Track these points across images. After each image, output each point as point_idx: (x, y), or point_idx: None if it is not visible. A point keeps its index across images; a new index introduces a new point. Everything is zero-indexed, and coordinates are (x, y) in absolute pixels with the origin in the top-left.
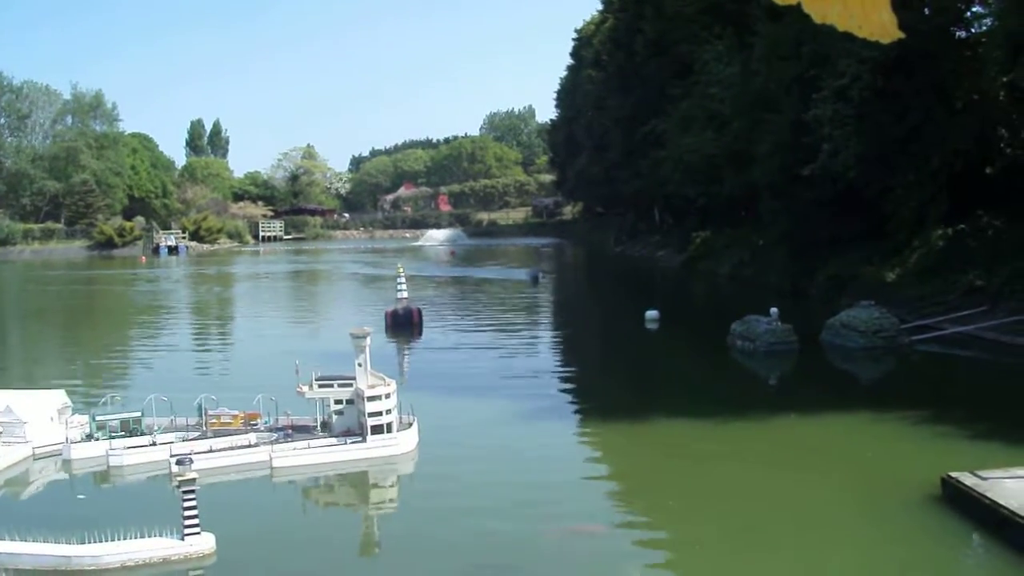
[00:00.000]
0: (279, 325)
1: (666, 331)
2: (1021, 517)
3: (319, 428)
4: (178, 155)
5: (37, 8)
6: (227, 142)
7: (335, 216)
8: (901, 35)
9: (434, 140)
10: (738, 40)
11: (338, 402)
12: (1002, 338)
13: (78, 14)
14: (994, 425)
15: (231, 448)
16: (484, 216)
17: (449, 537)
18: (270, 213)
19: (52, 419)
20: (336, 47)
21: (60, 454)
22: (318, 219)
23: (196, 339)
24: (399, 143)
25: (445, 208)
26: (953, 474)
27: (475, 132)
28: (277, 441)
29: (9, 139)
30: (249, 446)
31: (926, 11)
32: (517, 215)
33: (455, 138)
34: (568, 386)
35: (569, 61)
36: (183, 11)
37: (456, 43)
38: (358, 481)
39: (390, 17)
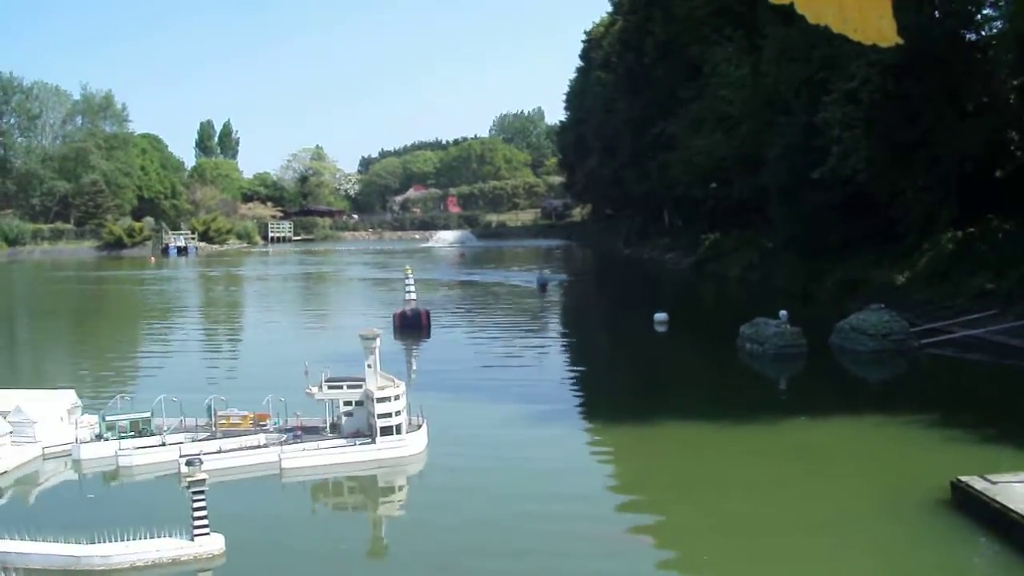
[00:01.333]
0: (288, 326)
1: (675, 333)
2: None
3: (328, 429)
4: (188, 156)
5: (42, 8)
6: (237, 143)
7: (344, 217)
8: (899, 40)
9: (443, 141)
10: (748, 42)
11: (347, 403)
12: (1012, 341)
13: (83, 14)
14: (1004, 429)
15: (240, 449)
16: (493, 218)
17: (456, 539)
18: (279, 214)
19: (62, 419)
20: (344, 47)
21: (70, 454)
22: (327, 220)
23: (206, 340)
24: (408, 144)
25: (454, 210)
26: (963, 478)
27: (484, 134)
28: (286, 442)
29: (19, 139)
30: (259, 447)
31: (936, 14)
32: (526, 217)
33: (464, 139)
34: (576, 387)
35: (578, 63)
36: (190, 11)
37: (464, 45)
38: (367, 483)
39: (398, 14)
